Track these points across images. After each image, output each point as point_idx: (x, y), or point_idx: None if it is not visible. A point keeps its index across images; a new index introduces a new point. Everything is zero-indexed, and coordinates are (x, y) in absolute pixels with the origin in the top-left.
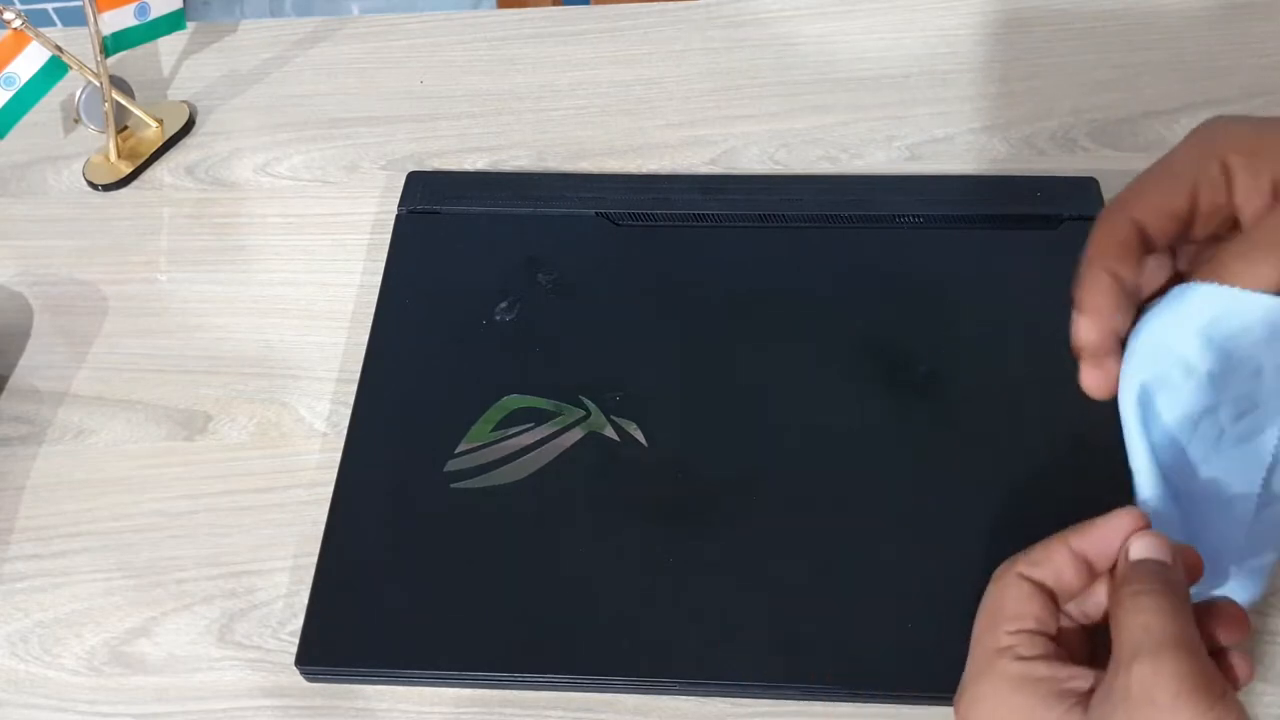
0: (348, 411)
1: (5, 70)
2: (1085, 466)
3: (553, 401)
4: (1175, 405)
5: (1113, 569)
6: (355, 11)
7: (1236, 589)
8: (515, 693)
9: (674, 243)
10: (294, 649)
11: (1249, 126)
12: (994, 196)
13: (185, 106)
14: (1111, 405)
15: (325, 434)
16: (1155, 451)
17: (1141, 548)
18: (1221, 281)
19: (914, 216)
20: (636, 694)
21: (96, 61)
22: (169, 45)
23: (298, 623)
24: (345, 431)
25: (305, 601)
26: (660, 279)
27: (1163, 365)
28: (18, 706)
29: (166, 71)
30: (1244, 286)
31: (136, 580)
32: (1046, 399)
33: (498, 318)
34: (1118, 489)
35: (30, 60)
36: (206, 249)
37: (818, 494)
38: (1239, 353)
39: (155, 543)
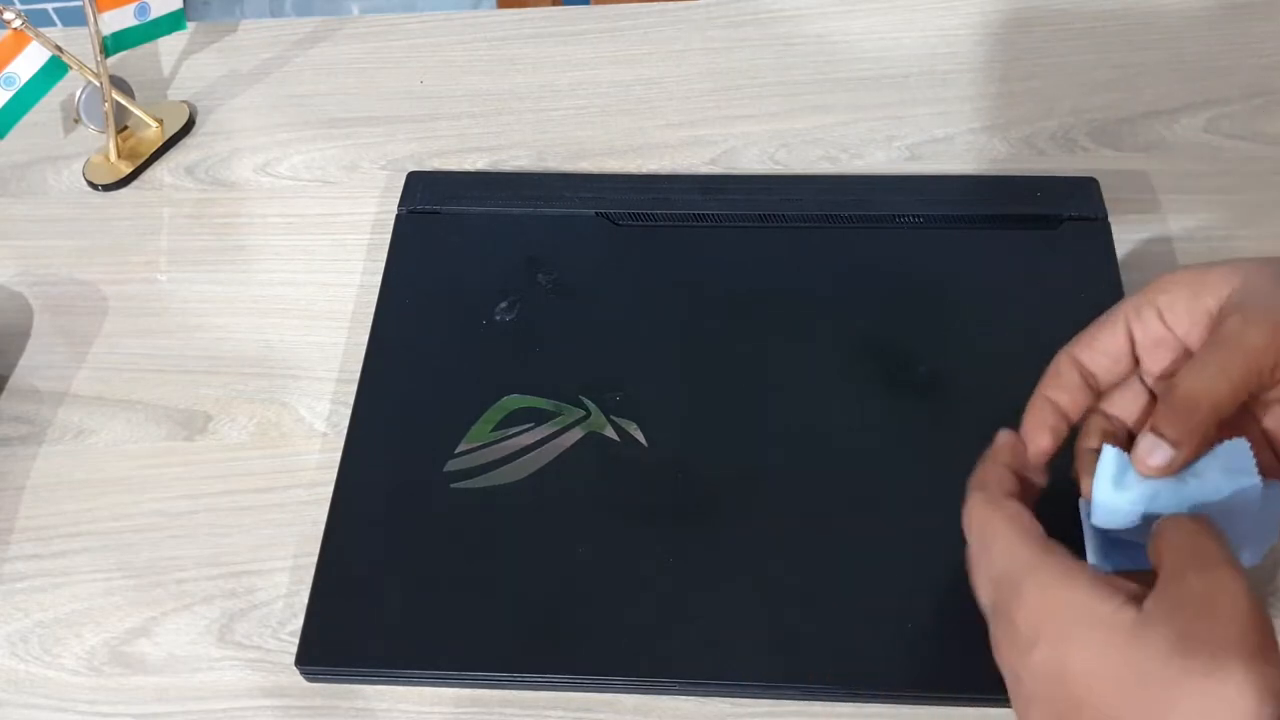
0: (348, 411)
1: (5, 70)
2: None
3: (553, 401)
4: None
5: None
6: (355, 11)
7: (1246, 559)
8: (515, 693)
9: (674, 243)
10: (294, 649)
11: (1193, 269)
12: (994, 196)
13: (185, 106)
14: None
15: (325, 434)
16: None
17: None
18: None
19: (914, 216)
20: (636, 694)
21: (96, 61)
22: (169, 45)
23: (298, 623)
24: (345, 431)
25: (305, 601)
26: (660, 279)
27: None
28: (18, 706)
29: (166, 71)
30: (1199, 395)
31: (136, 580)
32: None
33: (498, 318)
34: None
35: (30, 60)
36: (206, 249)
37: (818, 494)
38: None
39: (155, 543)
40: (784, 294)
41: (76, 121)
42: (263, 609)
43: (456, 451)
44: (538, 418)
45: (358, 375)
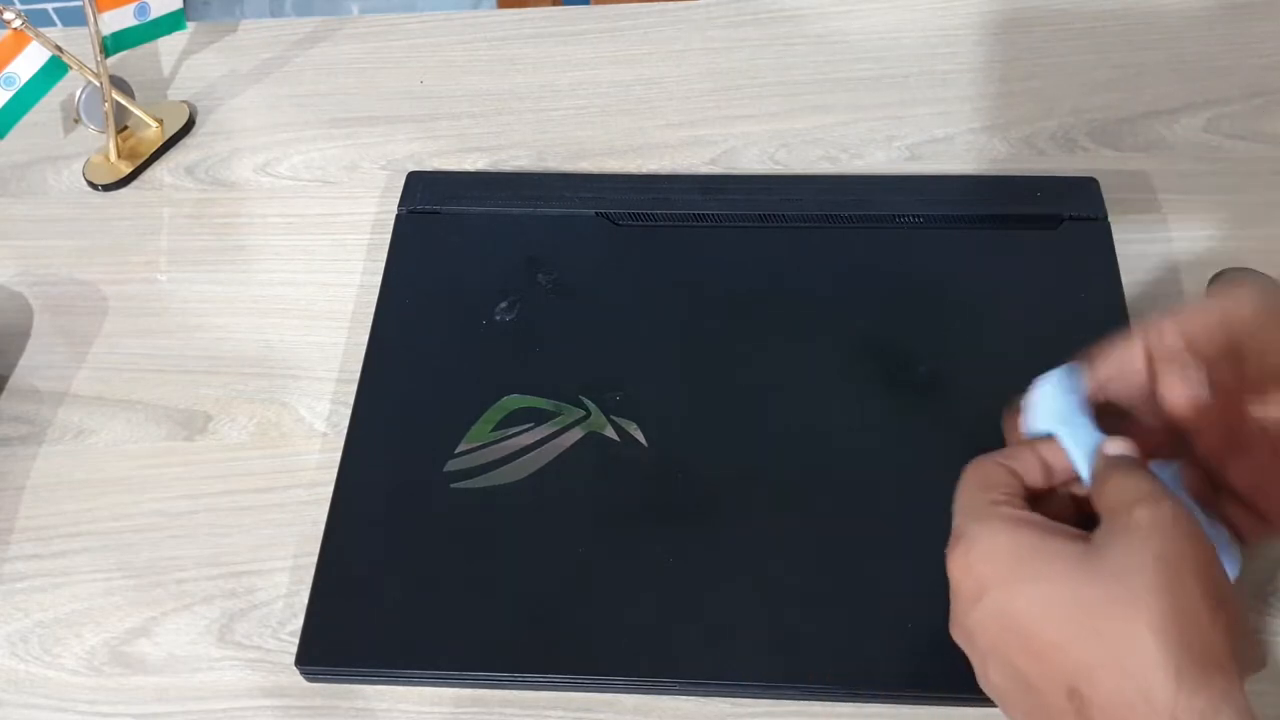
0: (348, 411)
1: (5, 70)
2: None
3: (553, 401)
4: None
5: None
6: (355, 11)
7: None
8: (515, 693)
9: (674, 243)
10: (294, 649)
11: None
12: (994, 196)
13: (185, 106)
14: None
15: (325, 434)
16: None
17: (1117, 447)
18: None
19: (914, 216)
20: (636, 694)
21: (96, 61)
22: (169, 45)
23: (298, 623)
24: (345, 431)
25: (305, 601)
26: (660, 279)
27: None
28: (18, 706)
29: (166, 71)
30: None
31: (136, 580)
32: None
33: (498, 318)
34: None
35: (30, 60)
36: (206, 249)
37: (818, 494)
38: None
39: (155, 543)
40: (784, 294)
41: (76, 121)
42: (263, 609)
43: (456, 451)
44: (538, 418)
45: (358, 375)
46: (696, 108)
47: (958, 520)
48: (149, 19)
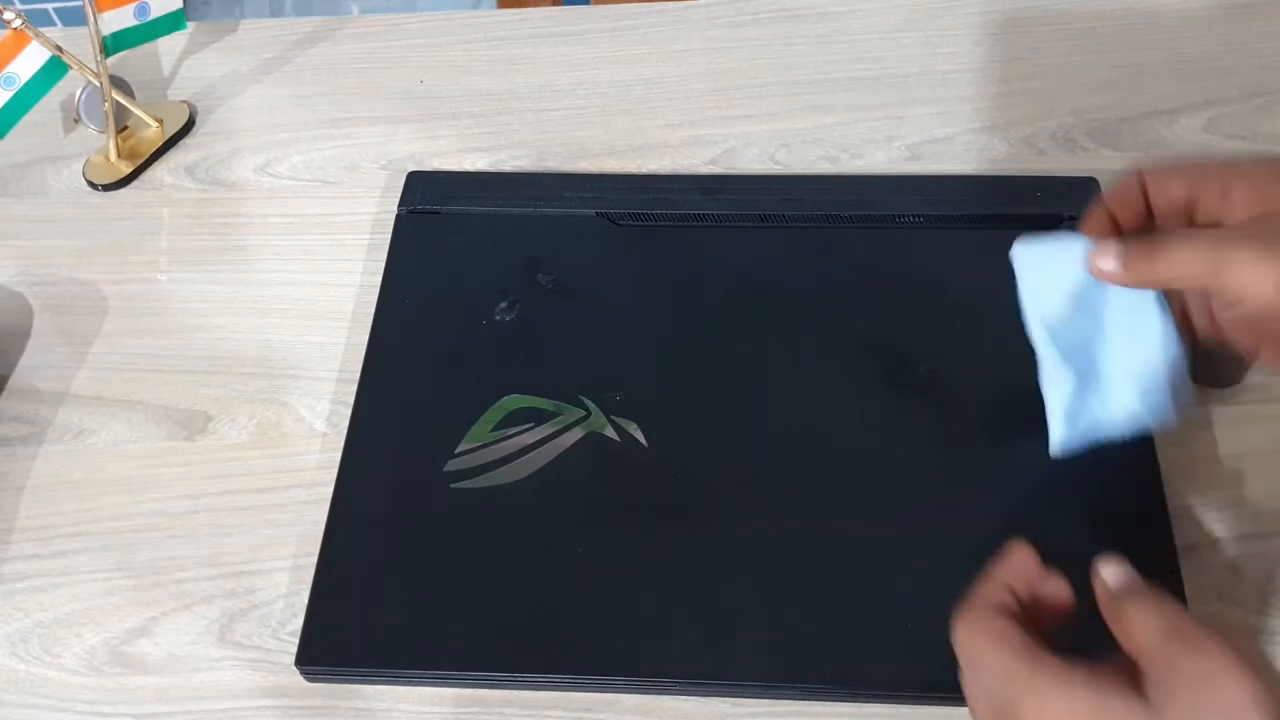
0: (348, 411)
1: (5, 70)
2: (1083, 464)
3: (553, 401)
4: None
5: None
6: (355, 11)
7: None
8: (515, 693)
9: (674, 243)
10: (294, 649)
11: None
12: (994, 196)
13: (185, 106)
14: None
15: (325, 434)
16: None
17: (1115, 575)
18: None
19: (914, 216)
20: (636, 694)
21: (96, 61)
22: (169, 45)
23: (298, 623)
24: (345, 431)
25: (305, 601)
26: (660, 279)
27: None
28: (18, 706)
29: (166, 71)
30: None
31: (136, 580)
32: None
33: (498, 318)
34: (1116, 485)
35: (30, 60)
36: (206, 249)
37: (817, 494)
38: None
39: (155, 543)
40: (784, 294)
41: (76, 121)
42: (263, 609)
43: (456, 451)
44: (538, 418)
45: (358, 375)
46: (696, 108)
47: (991, 686)
48: (149, 19)
